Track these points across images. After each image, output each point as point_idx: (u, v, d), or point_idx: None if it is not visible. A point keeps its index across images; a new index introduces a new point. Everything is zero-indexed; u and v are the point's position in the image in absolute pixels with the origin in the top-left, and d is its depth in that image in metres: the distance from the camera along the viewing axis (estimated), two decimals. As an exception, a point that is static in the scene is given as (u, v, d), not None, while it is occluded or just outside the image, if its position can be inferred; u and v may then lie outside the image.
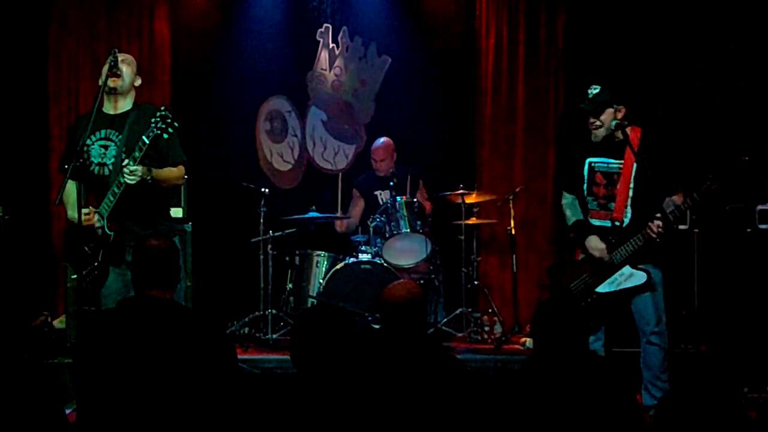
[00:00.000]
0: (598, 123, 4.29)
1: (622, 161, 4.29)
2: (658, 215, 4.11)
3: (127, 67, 4.19)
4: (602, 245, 4.30)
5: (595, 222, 4.39)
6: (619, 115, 4.29)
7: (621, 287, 4.27)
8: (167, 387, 2.83)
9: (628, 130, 4.26)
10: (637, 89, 6.22)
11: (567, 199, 4.55)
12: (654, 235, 4.13)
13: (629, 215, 4.30)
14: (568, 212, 4.52)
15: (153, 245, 3.12)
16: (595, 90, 4.29)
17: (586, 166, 4.39)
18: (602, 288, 4.30)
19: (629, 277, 4.25)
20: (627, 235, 4.24)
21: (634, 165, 4.25)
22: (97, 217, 4.02)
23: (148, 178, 4.01)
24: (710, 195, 4.07)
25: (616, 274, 4.27)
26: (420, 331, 3.23)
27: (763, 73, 6.22)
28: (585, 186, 4.41)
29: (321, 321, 2.79)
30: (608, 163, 4.34)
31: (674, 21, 6.48)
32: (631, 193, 4.28)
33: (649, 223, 4.14)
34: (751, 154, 4.90)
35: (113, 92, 4.15)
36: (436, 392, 2.97)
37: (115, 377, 2.87)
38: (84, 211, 3.92)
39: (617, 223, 4.32)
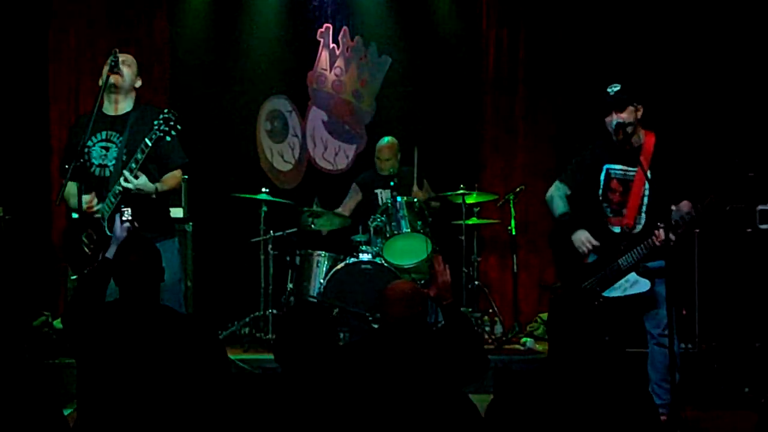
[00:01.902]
0: (619, 121, 4.24)
1: (637, 168, 4.25)
2: (661, 224, 4.09)
3: (127, 68, 4.18)
4: (594, 242, 4.28)
5: (612, 228, 4.37)
6: (639, 115, 4.28)
7: (626, 293, 4.25)
8: (153, 387, 2.83)
9: (641, 134, 4.26)
10: (640, 90, 6.23)
11: (559, 190, 4.48)
12: (657, 244, 4.12)
13: (643, 222, 4.28)
14: (558, 202, 4.44)
15: (132, 260, 3.09)
16: (616, 88, 4.26)
17: (604, 172, 4.37)
18: (608, 293, 4.28)
19: (634, 284, 4.23)
20: (638, 242, 4.22)
21: (648, 172, 4.23)
22: (98, 206, 4.02)
23: (153, 195, 4.01)
24: (712, 208, 4.06)
25: (622, 280, 4.25)
26: (422, 328, 3.24)
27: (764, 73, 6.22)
28: (600, 191, 4.38)
29: (304, 320, 2.80)
30: (625, 171, 4.32)
31: (674, 21, 6.48)
32: (645, 200, 4.27)
33: (656, 231, 4.12)
34: (753, 155, 4.91)
35: (114, 90, 4.14)
36: (440, 390, 2.97)
37: (103, 377, 2.88)
38: (86, 198, 3.92)
39: (627, 229, 4.30)
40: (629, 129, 4.22)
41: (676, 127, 5.15)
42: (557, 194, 4.49)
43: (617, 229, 4.34)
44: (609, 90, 4.27)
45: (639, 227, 4.29)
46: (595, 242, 4.30)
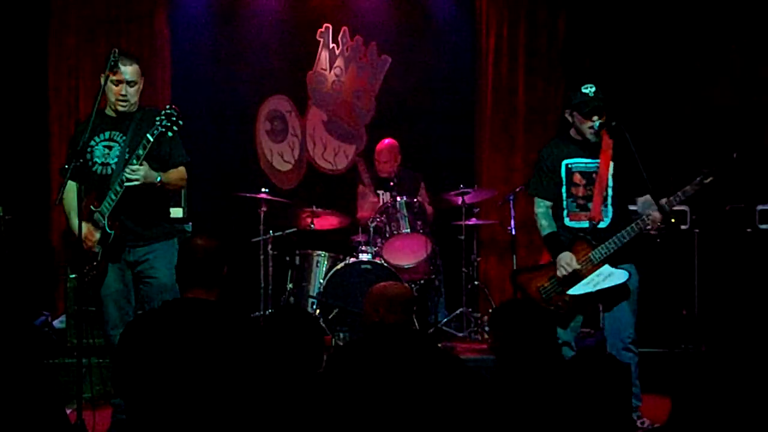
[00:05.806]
0: (600, 122, 4.20)
1: (599, 160, 4.21)
2: (654, 205, 4.03)
3: (134, 87, 4.10)
4: (576, 266, 4.15)
5: (573, 224, 4.27)
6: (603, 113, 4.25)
7: (598, 287, 4.12)
8: (210, 389, 2.80)
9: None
10: (636, 88, 6.24)
11: (541, 207, 4.39)
12: (653, 229, 4.06)
13: (609, 215, 4.22)
14: (543, 222, 4.35)
15: (199, 244, 3.08)
16: (592, 88, 4.20)
17: (563, 168, 4.30)
18: (577, 289, 4.17)
19: (608, 276, 4.11)
20: (606, 236, 4.14)
21: (611, 164, 4.19)
22: (97, 233, 4.01)
23: (157, 183, 4.00)
24: (704, 189, 3.99)
25: (593, 274, 4.14)
26: (417, 328, 3.23)
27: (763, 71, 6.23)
28: (564, 188, 4.30)
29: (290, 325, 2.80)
30: (586, 163, 4.26)
31: (674, 20, 6.48)
32: (610, 192, 4.21)
33: (653, 214, 4.03)
34: (752, 154, 4.91)
35: (122, 108, 4.10)
36: (432, 389, 2.97)
37: (158, 379, 2.82)
38: (85, 229, 3.91)
39: (593, 223, 4.21)
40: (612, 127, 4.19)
41: (639, 118, 5.06)
42: (540, 212, 4.39)
43: (585, 224, 4.24)
44: (587, 91, 4.19)
45: (607, 220, 4.22)
46: (576, 266, 4.17)
